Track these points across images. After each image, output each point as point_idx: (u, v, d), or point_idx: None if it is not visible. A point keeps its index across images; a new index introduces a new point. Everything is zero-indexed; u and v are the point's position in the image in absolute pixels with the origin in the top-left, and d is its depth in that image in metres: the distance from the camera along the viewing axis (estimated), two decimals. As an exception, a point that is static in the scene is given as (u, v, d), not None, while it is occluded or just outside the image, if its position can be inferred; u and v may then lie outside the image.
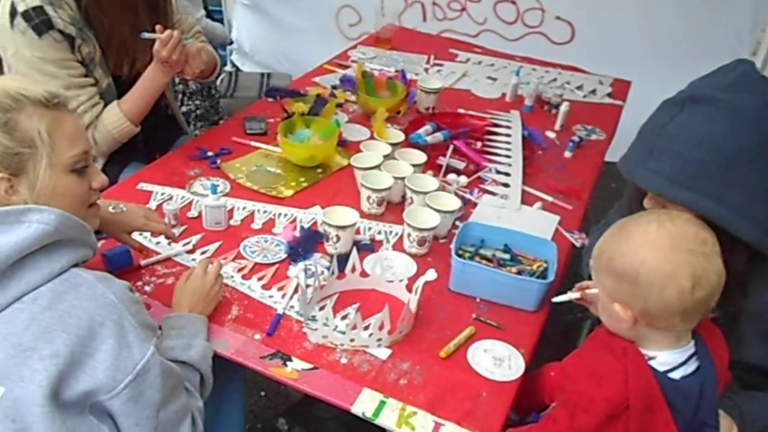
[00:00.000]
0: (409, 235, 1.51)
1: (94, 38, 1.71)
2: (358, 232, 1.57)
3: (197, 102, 2.84)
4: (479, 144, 2.01)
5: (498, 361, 1.26)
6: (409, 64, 2.63)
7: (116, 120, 1.75)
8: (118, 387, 0.92)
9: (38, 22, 1.59)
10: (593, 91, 2.52)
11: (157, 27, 1.64)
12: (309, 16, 3.69)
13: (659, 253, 0.97)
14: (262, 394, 2.18)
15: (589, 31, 3.19)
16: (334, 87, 2.36)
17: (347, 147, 1.96)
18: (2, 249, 0.88)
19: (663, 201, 1.14)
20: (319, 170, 1.84)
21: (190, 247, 1.50)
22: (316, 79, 2.43)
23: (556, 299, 1.31)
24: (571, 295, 1.29)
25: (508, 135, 2.08)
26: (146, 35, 1.66)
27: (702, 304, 0.98)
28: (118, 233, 1.36)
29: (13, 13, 1.60)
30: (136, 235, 1.43)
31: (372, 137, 1.97)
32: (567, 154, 2.04)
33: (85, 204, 1.08)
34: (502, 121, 2.17)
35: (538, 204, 1.77)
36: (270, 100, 2.22)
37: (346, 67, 2.56)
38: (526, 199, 1.79)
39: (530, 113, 2.29)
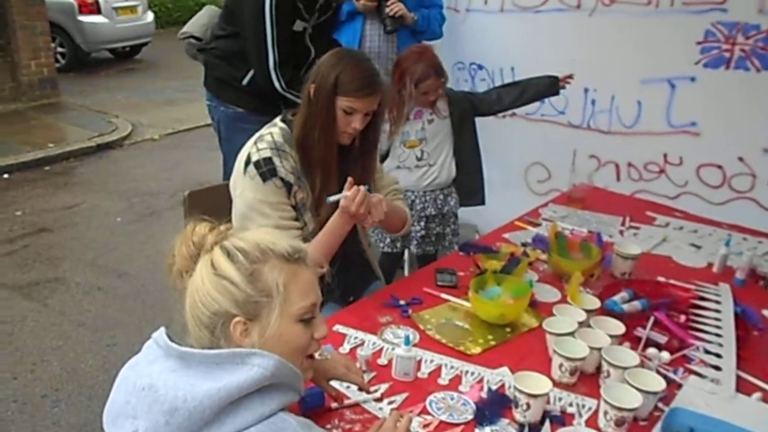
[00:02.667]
0: (606, 412, 1.40)
1: (309, 186, 1.92)
2: (548, 401, 1.49)
3: None
4: (683, 317, 1.86)
5: None
6: (603, 225, 2.58)
7: None
8: None
9: (265, 170, 1.85)
10: (820, 268, 2.25)
11: (348, 180, 1.82)
12: (498, 170, 3.82)
13: None
14: None
15: (813, 198, 2.92)
16: (524, 245, 2.37)
17: (537, 308, 1.92)
18: (227, 387, 0.96)
19: None
20: (508, 329, 1.82)
21: (378, 395, 1.52)
22: (507, 236, 2.46)
23: None
24: None
25: (717, 311, 1.90)
26: (331, 199, 1.83)
27: None
28: (318, 378, 1.42)
29: (247, 161, 1.88)
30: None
31: (564, 299, 1.92)
32: (790, 338, 1.81)
33: (304, 353, 1.15)
34: (709, 294, 2.01)
35: (758, 395, 1.56)
36: (462, 254, 2.28)
37: (537, 225, 2.58)
38: (742, 387, 1.59)
39: (743, 287, 2.09)
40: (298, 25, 2.79)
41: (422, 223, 2.94)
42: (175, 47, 11.80)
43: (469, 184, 3.03)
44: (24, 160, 5.79)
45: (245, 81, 2.87)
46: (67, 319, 3.45)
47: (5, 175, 5.55)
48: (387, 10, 3.31)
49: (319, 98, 1.86)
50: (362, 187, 1.79)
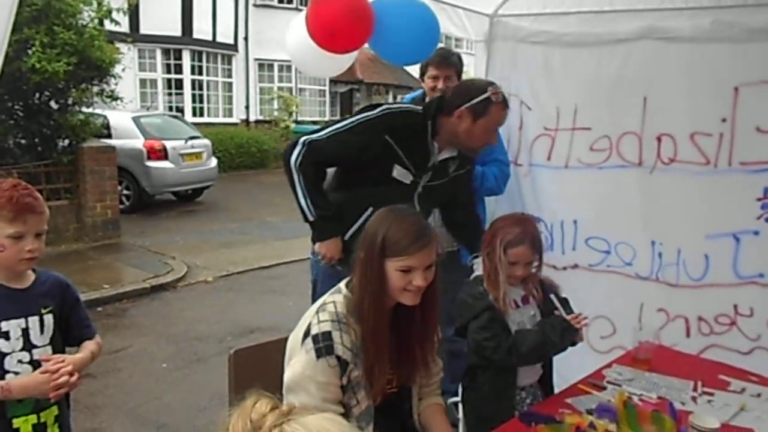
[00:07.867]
0: None
1: (365, 363, 1.81)
2: None
3: None
4: None
5: None
6: (674, 390, 2.37)
7: None
8: None
9: (322, 346, 1.75)
10: None
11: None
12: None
13: None
14: None
15: None
16: (589, 412, 2.17)
17: (609, 492, 1.71)
18: None
19: None
20: None
21: None
22: (569, 401, 2.27)
23: None
24: None
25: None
26: None
27: None
28: None
29: (306, 333, 1.79)
30: None
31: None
32: None
33: None
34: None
35: None
36: (523, 423, 2.10)
37: (602, 388, 2.39)
38: None
39: None
40: (401, 173, 2.62)
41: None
42: (235, 190, 12.38)
43: None
44: (78, 301, 5.96)
45: (347, 237, 2.63)
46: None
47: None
48: None
49: (367, 266, 1.79)
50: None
